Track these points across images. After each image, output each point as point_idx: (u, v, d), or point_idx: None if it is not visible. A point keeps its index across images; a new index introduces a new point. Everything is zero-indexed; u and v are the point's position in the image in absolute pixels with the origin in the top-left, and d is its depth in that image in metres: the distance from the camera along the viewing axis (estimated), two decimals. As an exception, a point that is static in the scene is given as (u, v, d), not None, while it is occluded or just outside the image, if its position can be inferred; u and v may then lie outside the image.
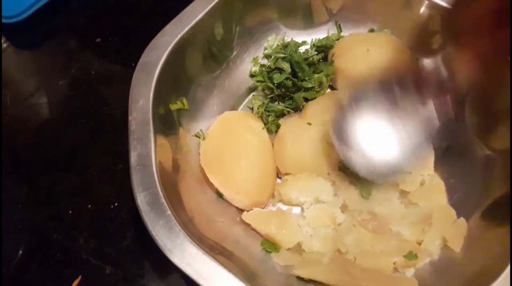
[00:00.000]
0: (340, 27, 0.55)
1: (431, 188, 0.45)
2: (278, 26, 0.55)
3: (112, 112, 0.53)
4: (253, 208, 0.45)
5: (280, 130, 0.49)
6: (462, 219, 0.43)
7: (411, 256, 0.41)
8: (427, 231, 0.43)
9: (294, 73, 0.50)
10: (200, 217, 0.42)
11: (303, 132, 0.47)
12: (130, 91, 0.41)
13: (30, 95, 0.55)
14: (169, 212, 0.37)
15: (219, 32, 0.49)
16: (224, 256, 0.39)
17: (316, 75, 0.51)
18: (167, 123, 0.44)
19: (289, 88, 0.50)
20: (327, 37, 0.54)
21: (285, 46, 0.52)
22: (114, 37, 0.58)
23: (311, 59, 0.52)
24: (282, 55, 0.50)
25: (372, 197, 0.45)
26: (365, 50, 0.50)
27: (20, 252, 0.46)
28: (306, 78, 0.50)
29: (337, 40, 0.54)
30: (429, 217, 0.43)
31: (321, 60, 0.54)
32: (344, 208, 0.45)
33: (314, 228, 0.44)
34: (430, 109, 0.40)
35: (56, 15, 0.60)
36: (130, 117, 0.40)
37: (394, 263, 0.42)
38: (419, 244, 0.43)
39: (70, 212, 0.48)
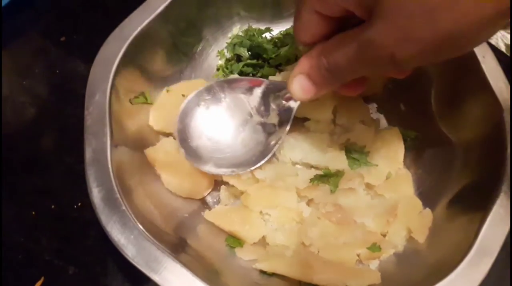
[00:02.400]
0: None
1: (398, 179, 0.46)
2: (246, 18, 0.54)
3: (76, 111, 0.52)
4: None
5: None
6: (427, 210, 0.43)
7: (374, 248, 0.41)
8: (392, 222, 0.43)
9: (258, 57, 0.50)
10: (161, 212, 0.42)
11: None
12: (87, 86, 0.41)
13: (-7, 96, 0.55)
14: (123, 207, 0.37)
15: (182, 25, 0.48)
16: (185, 251, 0.39)
17: (282, 51, 0.50)
18: (126, 118, 0.44)
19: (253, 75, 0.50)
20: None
21: (246, 33, 0.52)
22: (78, 36, 0.58)
23: (275, 40, 0.51)
24: (239, 41, 0.50)
25: (338, 189, 0.45)
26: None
27: (-18, 254, 0.46)
28: (273, 56, 0.50)
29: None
30: (394, 208, 0.43)
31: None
32: (309, 201, 0.45)
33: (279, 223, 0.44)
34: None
35: (19, 15, 0.60)
36: (86, 112, 0.40)
37: (358, 255, 0.42)
38: (384, 235, 0.43)
39: (33, 213, 0.48)
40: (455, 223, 0.40)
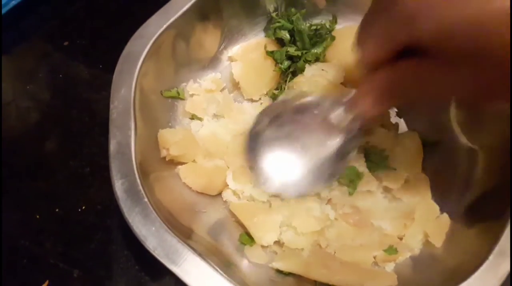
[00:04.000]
0: (336, 19, 0.55)
1: (415, 183, 0.46)
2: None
3: (80, 116, 0.53)
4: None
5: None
6: (445, 215, 0.43)
7: (391, 250, 0.41)
8: (409, 226, 0.43)
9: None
10: (181, 206, 0.43)
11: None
12: (113, 81, 0.42)
13: (-3, 100, 0.56)
14: (145, 199, 0.38)
15: (206, 24, 0.49)
16: (202, 245, 0.40)
17: (313, 50, 0.50)
18: (151, 113, 0.45)
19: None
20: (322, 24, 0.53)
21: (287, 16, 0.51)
22: (82, 40, 0.59)
23: (314, 31, 0.51)
24: (280, 24, 0.50)
25: (356, 191, 0.45)
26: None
27: (-14, 258, 0.46)
28: (304, 52, 0.50)
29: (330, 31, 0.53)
30: (412, 212, 0.44)
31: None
32: (327, 202, 0.46)
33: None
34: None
35: (23, 20, 0.60)
36: (111, 106, 0.41)
37: (374, 257, 0.42)
38: (401, 238, 0.43)
39: (37, 216, 0.49)
40: (474, 229, 0.40)
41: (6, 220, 0.49)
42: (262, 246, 0.43)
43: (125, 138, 0.40)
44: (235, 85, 0.52)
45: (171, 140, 0.44)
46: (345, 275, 0.40)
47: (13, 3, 0.58)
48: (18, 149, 0.53)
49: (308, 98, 0.39)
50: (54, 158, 0.52)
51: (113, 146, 0.40)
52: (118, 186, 0.38)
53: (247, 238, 0.44)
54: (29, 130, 0.54)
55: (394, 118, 0.51)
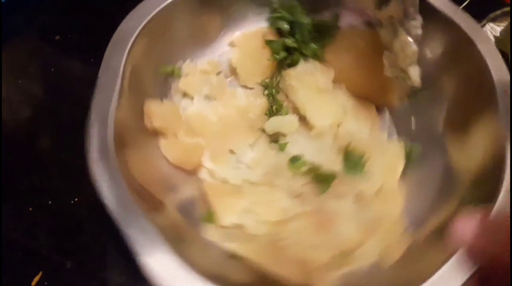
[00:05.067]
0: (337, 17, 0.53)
1: (389, 193, 0.45)
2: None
3: (71, 110, 0.54)
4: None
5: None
6: (409, 231, 0.41)
7: (344, 256, 0.41)
8: (371, 236, 0.42)
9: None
10: (156, 179, 0.45)
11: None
12: (105, 54, 0.43)
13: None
14: (116, 165, 0.39)
15: (207, 7, 0.50)
16: (167, 218, 0.41)
17: (311, 45, 0.50)
18: (143, 87, 0.47)
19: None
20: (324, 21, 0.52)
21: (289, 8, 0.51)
22: (73, 35, 0.59)
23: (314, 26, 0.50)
24: (279, 15, 0.50)
25: (328, 191, 0.45)
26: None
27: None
28: (301, 45, 0.50)
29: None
30: (378, 223, 0.43)
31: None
32: (298, 196, 0.46)
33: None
34: None
35: (13, 14, 0.60)
36: (99, 73, 0.42)
37: (326, 260, 0.42)
38: (359, 247, 0.42)
39: (30, 209, 0.49)
40: (435, 248, 0.39)
41: (-1, 213, 0.49)
42: (222, 226, 0.44)
43: (107, 107, 0.42)
44: (233, 71, 0.53)
45: (156, 111, 0.46)
46: (290, 270, 0.40)
47: (3, -4, 0.57)
48: (10, 143, 0.53)
49: None
50: (46, 151, 0.53)
51: (93, 114, 0.41)
52: (92, 146, 0.40)
53: (210, 216, 0.45)
54: (21, 124, 0.54)
55: (384, 124, 0.49)
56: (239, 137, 0.49)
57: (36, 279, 0.46)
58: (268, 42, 0.50)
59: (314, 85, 0.48)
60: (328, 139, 0.48)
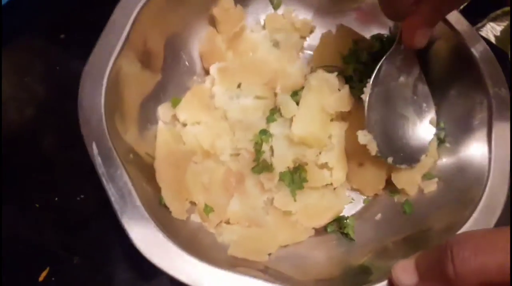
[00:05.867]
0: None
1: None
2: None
3: (77, 107, 0.51)
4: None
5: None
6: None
7: None
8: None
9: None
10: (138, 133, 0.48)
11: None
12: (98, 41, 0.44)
13: (-5, 92, 0.58)
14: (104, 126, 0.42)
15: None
16: (138, 169, 0.43)
17: None
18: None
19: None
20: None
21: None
22: (78, 33, 0.58)
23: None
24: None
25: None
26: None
27: (-13, 248, 0.49)
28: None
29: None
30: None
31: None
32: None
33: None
34: None
35: (18, 13, 0.61)
36: (89, 59, 0.44)
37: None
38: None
39: (37, 206, 0.51)
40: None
41: (6, 210, 0.50)
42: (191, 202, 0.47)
43: (99, 90, 0.43)
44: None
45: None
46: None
47: (8, -4, 0.58)
48: (16, 141, 0.54)
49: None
50: (52, 149, 0.54)
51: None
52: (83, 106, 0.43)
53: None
54: (26, 122, 0.56)
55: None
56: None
57: (44, 274, 0.47)
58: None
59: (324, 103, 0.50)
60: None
